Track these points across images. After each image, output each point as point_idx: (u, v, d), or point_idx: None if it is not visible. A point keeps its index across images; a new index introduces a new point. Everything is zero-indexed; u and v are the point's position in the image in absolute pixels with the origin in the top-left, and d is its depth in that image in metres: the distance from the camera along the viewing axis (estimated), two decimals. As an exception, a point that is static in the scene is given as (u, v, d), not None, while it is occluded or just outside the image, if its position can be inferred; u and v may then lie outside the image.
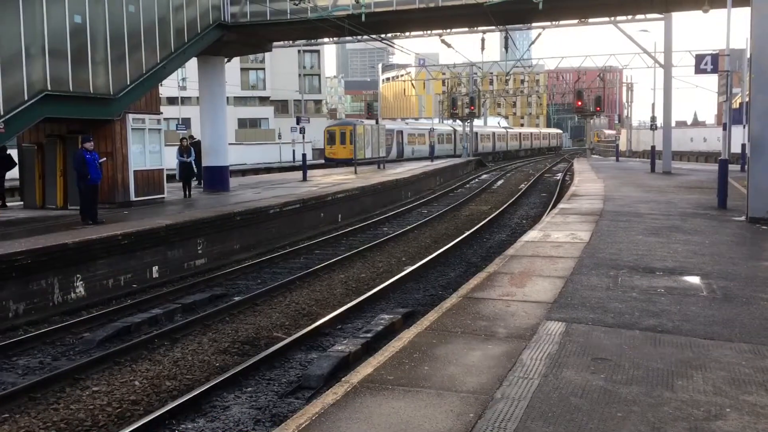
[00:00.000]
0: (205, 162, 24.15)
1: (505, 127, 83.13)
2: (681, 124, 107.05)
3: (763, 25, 13.66)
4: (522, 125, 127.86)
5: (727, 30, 17.50)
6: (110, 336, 10.07)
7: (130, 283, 13.14)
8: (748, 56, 15.76)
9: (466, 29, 27.35)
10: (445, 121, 67.50)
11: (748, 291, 8.04)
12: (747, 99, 19.08)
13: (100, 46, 17.12)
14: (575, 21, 26.51)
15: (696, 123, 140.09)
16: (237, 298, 12.10)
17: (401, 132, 53.49)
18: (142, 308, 11.66)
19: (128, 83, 18.01)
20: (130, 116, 18.36)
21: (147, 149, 19.15)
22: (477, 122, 66.80)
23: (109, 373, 8.53)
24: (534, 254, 10.67)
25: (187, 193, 21.20)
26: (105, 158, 16.80)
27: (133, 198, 18.45)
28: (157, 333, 9.99)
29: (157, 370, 8.62)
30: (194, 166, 22.66)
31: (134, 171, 18.54)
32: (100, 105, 17.21)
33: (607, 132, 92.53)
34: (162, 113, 20.64)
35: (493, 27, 26.47)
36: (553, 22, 26.81)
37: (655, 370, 5.43)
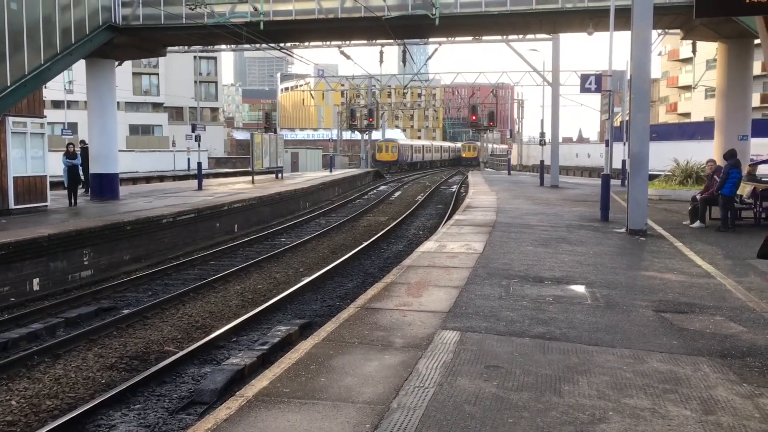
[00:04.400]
0: (94, 169, 23.08)
1: (440, 142, 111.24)
2: (567, 140, 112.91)
3: (641, 48, 14.55)
4: (419, 138, 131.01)
5: (610, 52, 18.58)
6: (-16, 353, 9.40)
7: (7, 296, 12.33)
8: (629, 77, 16.76)
9: (365, 42, 27.67)
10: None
11: (628, 299, 8.50)
12: (627, 118, 20.28)
13: (-24, 43, 16.08)
14: (470, 38, 27.41)
15: (581, 139, 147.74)
16: (126, 311, 11.58)
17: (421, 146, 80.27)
18: (21, 323, 10.96)
19: (8, 84, 17.01)
20: (11, 119, 17.34)
21: (29, 155, 18.14)
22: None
23: (-18, 394, 7.95)
24: (430, 264, 10.85)
25: (73, 201, 20.17)
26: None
27: (12, 206, 17.40)
28: (37, 349, 9.41)
29: (36, 388, 8.11)
30: (81, 173, 21.62)
31: (14, 177, 17.53)
32: (-24, 106, 16.14)
33: (494, 147, 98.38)
34: (46, 117, 19.63)
35: (392, 40, 26.91)
36: (449, 38, 27.62)
37: (544, 376, 5.63)
